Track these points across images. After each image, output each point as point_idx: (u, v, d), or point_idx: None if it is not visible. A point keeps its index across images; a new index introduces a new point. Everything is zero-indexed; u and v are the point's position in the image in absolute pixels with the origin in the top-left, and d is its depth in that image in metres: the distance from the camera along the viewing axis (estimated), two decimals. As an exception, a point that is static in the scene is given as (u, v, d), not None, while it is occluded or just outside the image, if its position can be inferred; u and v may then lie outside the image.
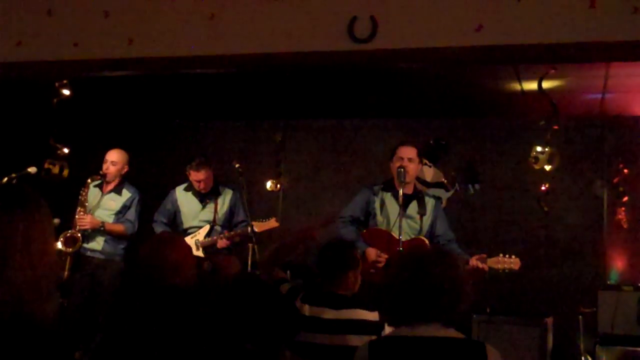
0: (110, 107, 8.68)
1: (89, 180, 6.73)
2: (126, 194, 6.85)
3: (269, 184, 8.69)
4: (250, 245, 6.84)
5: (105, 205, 6.76)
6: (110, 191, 6.82)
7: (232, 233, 6.58)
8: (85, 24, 5.47)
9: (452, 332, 2.70)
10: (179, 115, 9.30)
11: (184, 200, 6.80)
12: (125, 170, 6.89)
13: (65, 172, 6.52)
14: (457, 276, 2.75)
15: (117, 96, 8.08)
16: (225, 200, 6.76)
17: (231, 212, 6.78)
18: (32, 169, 6.19)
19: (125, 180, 6.91)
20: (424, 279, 2.70)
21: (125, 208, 6.81)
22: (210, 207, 6.70)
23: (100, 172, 6.77)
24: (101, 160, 6.91)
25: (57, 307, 1.96)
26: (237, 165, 6.77)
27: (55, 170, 6.44)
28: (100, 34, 5.42)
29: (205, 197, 6.73)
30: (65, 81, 6.11)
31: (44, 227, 1.97)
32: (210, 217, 6.67)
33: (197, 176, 6.64)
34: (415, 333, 2.67)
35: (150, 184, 8.15)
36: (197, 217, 6.72)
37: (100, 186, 6.81)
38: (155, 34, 5.32)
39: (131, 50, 5.35)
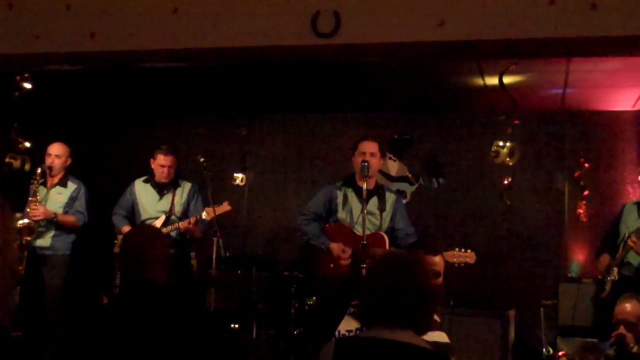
0: (72, 100, 8.59)
1: (39, 170, 6.58)
2: (71, 185, 6.75)
3: (237, 179, 8.68)
4: (214, 239, 6.82)
5: (52, 199, 6.66)
6: (55, 184, 6.71)
7: (185, 222, 6.47)
8: (47, 17, 5.41)
9: (420, 341, 2.71)
10: (143, 109, 9.23)
11: (142, 191, 6.74)
12: (69, 162, 6.79)
13: (27, 167, 6.45)
14: (425, 284, 2.77)
15: (80, 90, 8.01)
16: (183, 193, 6.70)
17: (188, 204, 6.70)
18: (-7, 163, 6.12)
19: (68, 173, 6.82)
20: (394, 287, 2.73)
21: (72, 200, 6.70)
22: (168, 198, 6.63)
23: (47, 166, 6.66)
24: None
25: (16, 304, 1.93)
26: (201, 160, 6.74)
27: (17, 164, 6.36)
28: (62, 27, 5.37)
29: (163, 188, 6.66)
30: (26, 75, 6.04)
31: (4, 223, 1.94)
32: (167, 207, 6.62)
33: (165, 161, 6.57)
34: (383, 336, 2.69)
35: (115, 178, 8.11)
36: (154, 207, 6.64)
37: (44, 183, 6.71)
38: (117, 28, 5.27)
39: (93, 44, 5.30)
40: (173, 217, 6.59)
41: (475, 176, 8.35)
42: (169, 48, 5.25)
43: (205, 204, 6.51)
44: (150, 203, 6.67)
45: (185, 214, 6.60)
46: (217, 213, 6.38)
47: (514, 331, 6.84)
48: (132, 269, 3.31)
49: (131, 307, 3.16)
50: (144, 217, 6.65)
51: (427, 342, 2.76)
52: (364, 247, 5.26)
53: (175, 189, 6.66)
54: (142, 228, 4.77)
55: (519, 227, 8.12)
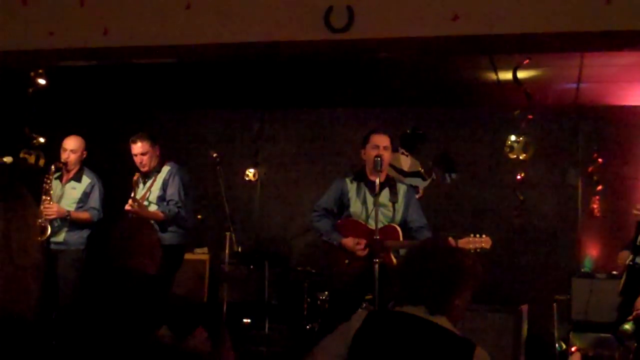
0: (87, 96, 8.62)
1: (53, 168, 6.54)
2: (85, 180, 6.67)
3: (249, 174, 8.69)
4: (227, 234, 6.81)
5: (67, 195, 6.62)
6: (70, 179, 6.67)
7: (136, 199, 6.23)
8: (61, 13, 5.42)
9: (444, 321, 2.75)
10: (156, 105, 9.25)
11: (138, 183, 6.67)
12: (84, 155, 6.73)
13: (41, 162, 6.45)
14: (451, 268, 2.80)
15: (94, 85, 8.04)
16: (162, 176, 6.48)
17: (163, 188, 6.42)
18: (7, 159, 6.12)
19: (84, 166, 6.76)
20: (419, 267, 2.82)
21: (86, 195, 6.62)
22: (148, 185, 6.52)
23: (62, 161, 6.61)
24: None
25: (38, 303, 1.91)
26: (214, 155, 6.74)
27: (31, 160, 6.37)
28: (76, 23, 5.37)
29: (146, 176, 6.53)
30: (40, 70, 6.06)
31: (26, 220, 1.92)
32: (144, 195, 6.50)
33: (134, 149, 6.41)
34: (409, 311, 2.76)
35: (129, 173, 8.13)
36: (139, 197, 6.55)
37: (59, 178, 6.69)
38: (131, 24, 5.28)
39: (107, 40, 5.31)
40: (145, 202, 6.42)
41: (488, 171, 8.34)
42: (182, 44, 5.26)
43: (179, 190, 6.37)
44: (138, 193, 6.57)
45: (162, 198, 6.46)
46: (134, 184, 6.25)
47: (526, 326, 6.84)
48: (116, 256, 3.31)
49: (112, 295, 3.17)
50: None
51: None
52: (377, 242, 5.26)
53: (157, 175, 6.51)
54: (129, 217, 4.69)
55: (532, 222, 8.11)
